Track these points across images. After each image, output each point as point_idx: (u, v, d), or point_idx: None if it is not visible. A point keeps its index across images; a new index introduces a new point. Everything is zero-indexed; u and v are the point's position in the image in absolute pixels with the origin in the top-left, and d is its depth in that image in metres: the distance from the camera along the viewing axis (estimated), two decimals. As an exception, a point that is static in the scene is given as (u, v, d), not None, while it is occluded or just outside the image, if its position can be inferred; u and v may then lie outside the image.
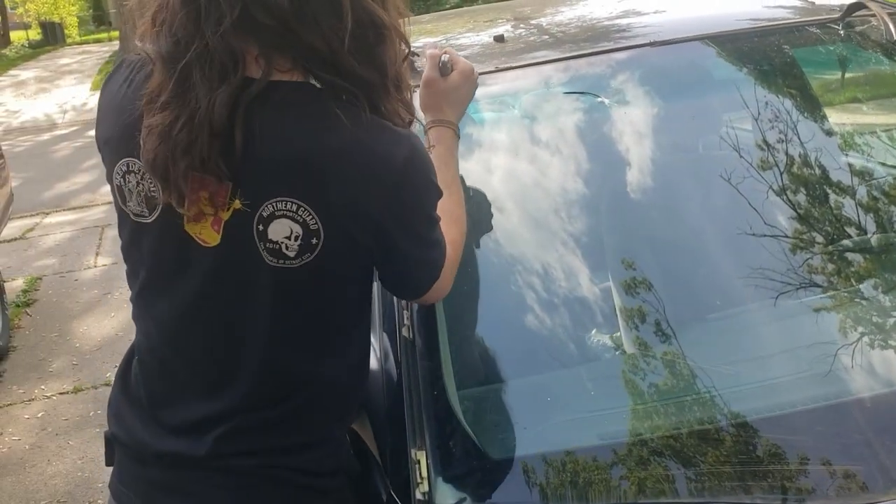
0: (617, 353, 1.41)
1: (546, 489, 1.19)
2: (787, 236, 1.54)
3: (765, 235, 1.53)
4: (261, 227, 1.09)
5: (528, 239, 1.63)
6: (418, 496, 1.18)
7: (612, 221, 1.64)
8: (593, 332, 1.45)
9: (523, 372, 1.43)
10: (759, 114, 1.75)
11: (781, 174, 1.65)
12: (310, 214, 1.08)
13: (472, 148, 1.74)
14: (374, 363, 1.42)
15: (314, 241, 1.10)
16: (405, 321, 1.40)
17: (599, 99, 1.75)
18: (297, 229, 1.09)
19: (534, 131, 1.81)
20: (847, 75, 1.95)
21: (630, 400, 1.32)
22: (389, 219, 1.11)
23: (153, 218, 1.15)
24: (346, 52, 1.06)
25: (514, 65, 1.83)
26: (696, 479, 1.18)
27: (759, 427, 1.22)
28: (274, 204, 1.08)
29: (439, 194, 1.17)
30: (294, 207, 1.08)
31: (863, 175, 1.67)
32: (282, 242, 1.10)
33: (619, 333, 1.43)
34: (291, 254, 1.10)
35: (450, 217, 1.28)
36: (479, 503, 1.18)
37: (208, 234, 1.12)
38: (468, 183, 1.66)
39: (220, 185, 1.09)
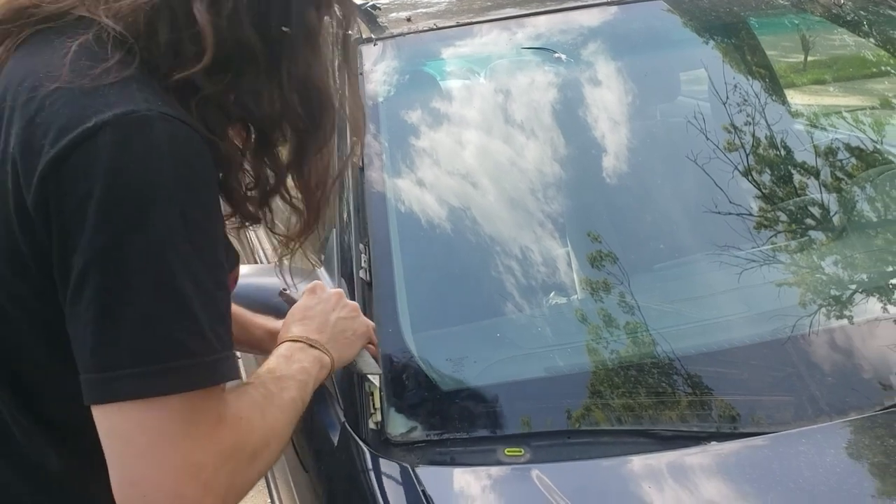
0: (571, 298, 1.46)
1: (492, 418, 1.24)
2: (728, 192, 1.59)
3: (711, 194, 1.58)
4: None
5: (487, 193, 1.66)
6: (371, 425, 1.23)
7: (567, 178, 1.68)
8: (552, 294, 1.49)
9: (476, 315, 1.47)
10: (711, 72, 1.81)
11: (729, 131, 1.71)
12: None
13: (428, 102, 1.77)
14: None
15: None
16: (363, 263, 1.43)
17: (556, 55, 1.79)
18: None
19: (488, 87, 1.84)
20: (795, 36, 2.02)
21: (576, 337, 1.37)
22: (67, 213, 0.78)
23: None
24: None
25: (475, 20, 1.86)
26: (635, 408, 1.23)
27: (698, 362, 1.28)
28: None
29: (178, 228, 0.79)
30: None
31: (805, 132, 1.74)
32: None
33: (576, 295, 1.47)
34: None
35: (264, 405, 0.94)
36: (430, 431, 1.22)
37: None
38: (418, 142, 1.70)
39: None
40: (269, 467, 0.95)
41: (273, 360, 1.07)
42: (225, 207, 0.98)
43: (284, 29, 0.89)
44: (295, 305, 1.22)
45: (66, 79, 0.80)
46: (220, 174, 0.92)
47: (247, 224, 1.03)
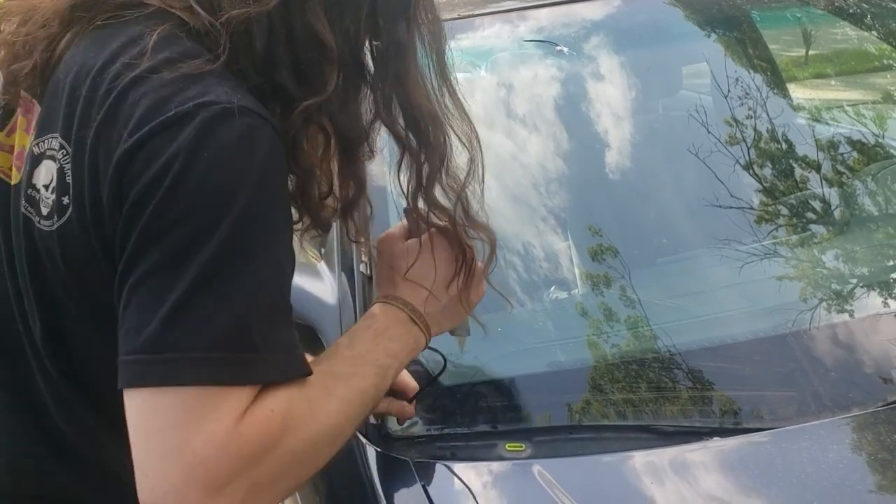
0: (572, 293, 1.45)
1: (493, 412, 1.23)
2: (730, 187, 1.58)
3: (712, 188, 1.58)
4: (30, 168, 0.88)
5: (487, 187, 1.65)
6: (371, 420, 1.22)
7: (568, 172, 1.68)
8: (553, 288, 1.49)
9: (478, 309, 1.46)
10: (713, 66, 1.80)
11: (731, 125, 1.70)
12: (67, 159, 0.83)
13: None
14: (331, 300, 1.45)
15: (65, 200, 0.83)
16: (363, 258, 1.43)
17: (558, 48, 1.78)
18: (53, 177, 0.84)
19: (489, 81, 1.83)
20: (797, 30, 2.01)
21: (577, 332, 1.36)
22: (137, 194, 0.77)
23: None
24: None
25: (476, 12, 1.85)
26: (636, 403, 1.23)
27: (699, 357, 1.27)
28: (48, 140, 0.86)
29: (245, 219, 0.76)
30: (56, 146, 0.84)
31: (807, 126, 1.73)
32: (41, 189, 0.86)
33: (577, 290, 1.47)
34: (45, 210, 0.86)
35: (333, 388, 0.86)
36: (430, 425, 1.22)
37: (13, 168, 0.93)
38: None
39: (33, 107, 0.91)
40: (313, 472, 0.85)
41: (360, 329, 0.95)
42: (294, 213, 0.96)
43: (376, 42, 0.89)
44: (417, 249, 0.99)
45: (148, 68, 0.79)
46: (298, 178, 0.91)
47: (316, 231, 1.01)
